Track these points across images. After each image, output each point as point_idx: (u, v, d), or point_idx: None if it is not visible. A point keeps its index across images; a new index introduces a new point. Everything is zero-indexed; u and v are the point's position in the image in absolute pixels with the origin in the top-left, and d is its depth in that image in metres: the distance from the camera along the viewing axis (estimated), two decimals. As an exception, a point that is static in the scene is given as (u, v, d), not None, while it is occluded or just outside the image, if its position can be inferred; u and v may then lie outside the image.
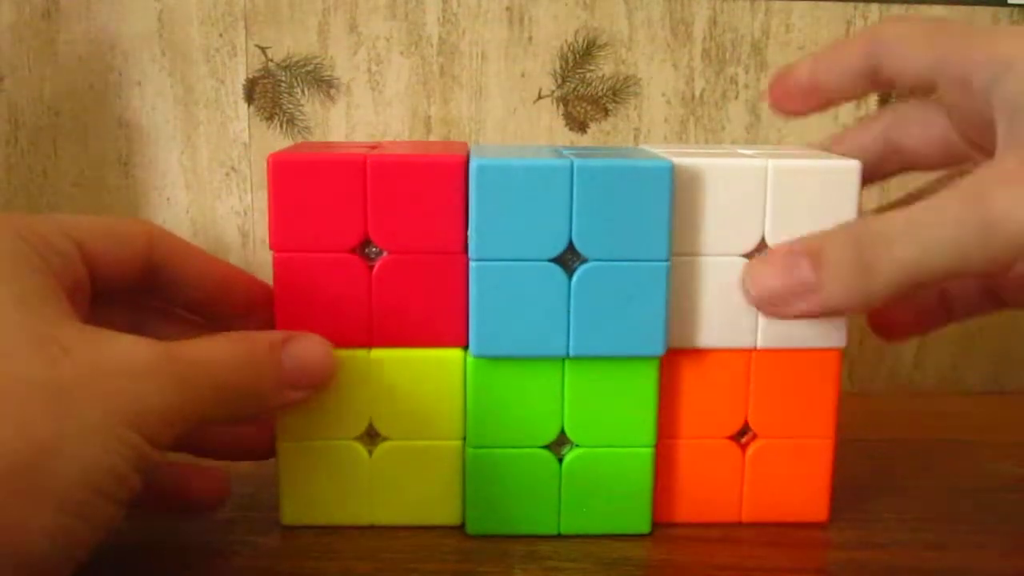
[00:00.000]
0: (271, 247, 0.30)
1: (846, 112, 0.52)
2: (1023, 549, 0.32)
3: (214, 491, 0.31)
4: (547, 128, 0.51)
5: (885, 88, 0.33)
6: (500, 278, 0.29)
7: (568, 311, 0.30)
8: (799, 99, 0.31)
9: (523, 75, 0.51)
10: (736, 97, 0.51)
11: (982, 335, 0.54)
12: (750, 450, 0.33)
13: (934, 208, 0.26)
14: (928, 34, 0.29)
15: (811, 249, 0.27)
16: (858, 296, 0.27)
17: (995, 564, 0.31)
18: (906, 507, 0.34)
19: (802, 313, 0.28)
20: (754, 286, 0.28)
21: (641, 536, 0.32)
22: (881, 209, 0.32)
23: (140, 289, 0.29)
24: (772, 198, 0.30)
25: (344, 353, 0.30)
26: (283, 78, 0.51)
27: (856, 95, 0.31)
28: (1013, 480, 0.38)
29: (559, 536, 0.32)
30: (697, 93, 0.51)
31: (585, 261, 0.30)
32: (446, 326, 0.30)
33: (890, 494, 0.36)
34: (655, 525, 0.33)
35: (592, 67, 0.51)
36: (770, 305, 0.28)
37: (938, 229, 0.25)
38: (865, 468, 0.38)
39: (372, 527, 0.32)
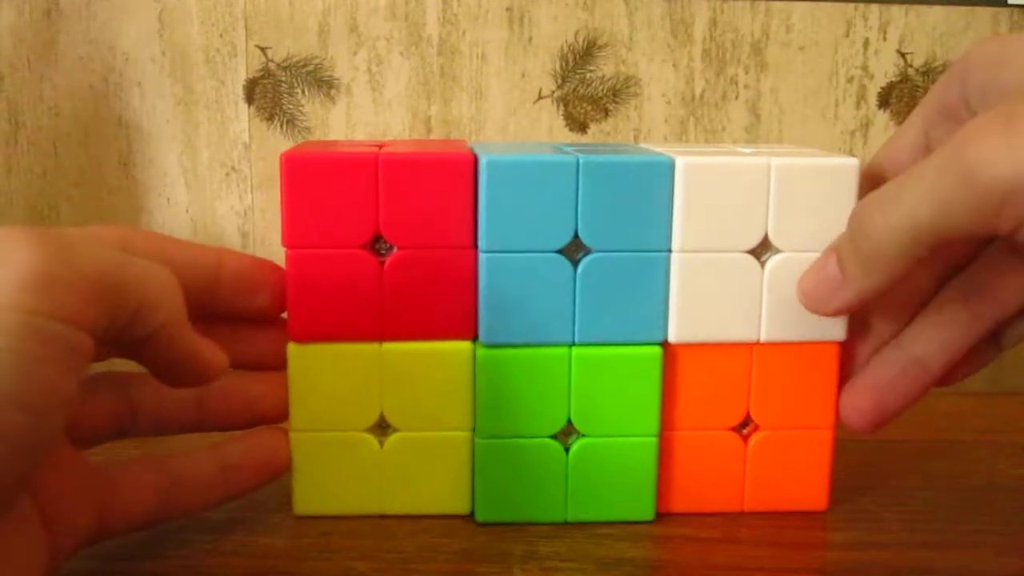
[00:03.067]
0: (284, 244, 0.31)
1: (846, 112, 0.52)
2: (1022, 549, 0.32)
3: (276, 451, 0.32)
4: (547, 128, 0.51)
5: None
6: (508, 269, 0.31)
7: (574, 300, 0.31)
8: None
9: (523, 75, 0.51)
10: (736, 97, 0.51)
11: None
12: (752, 441, 0.33)
13: (918, 167, 0.26)
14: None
15: (835, 245, 0.29)
16: (874, 272, 0.28)
17: (994, 564, 0.31)
18: (906, 507, 0.35)
19: (840, 306, 0.29)
20: (798, 288, 0.30)
21: (641, 536, 0.32)
22: None
23: None
24: (775, 195, 0.31)
25: (356, 347, 0.31)
26: (283, 78, 0.51)
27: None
28: (1013, 480, 0.38)
29: (559, 536, 0.32)
30: (697, 93, 0.51)
31: (589, 252, 0.31)
32: (455, 319, 0.31)
33: (890, 494, 0.36)
34: (657, 521, 0.33)
35: (592, 67, 0.51)
36: (811, 303, 0.30)
37: (921, 183, 0.26)
38: (865, 468, 0.38)
39: (374, 527, 0.32)
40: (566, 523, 0.33)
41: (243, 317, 0.32)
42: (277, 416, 0.32)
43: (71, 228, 0.28)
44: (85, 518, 0.28)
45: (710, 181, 0.31)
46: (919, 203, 0.26)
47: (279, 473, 0.32)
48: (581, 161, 0.30)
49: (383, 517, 0.33)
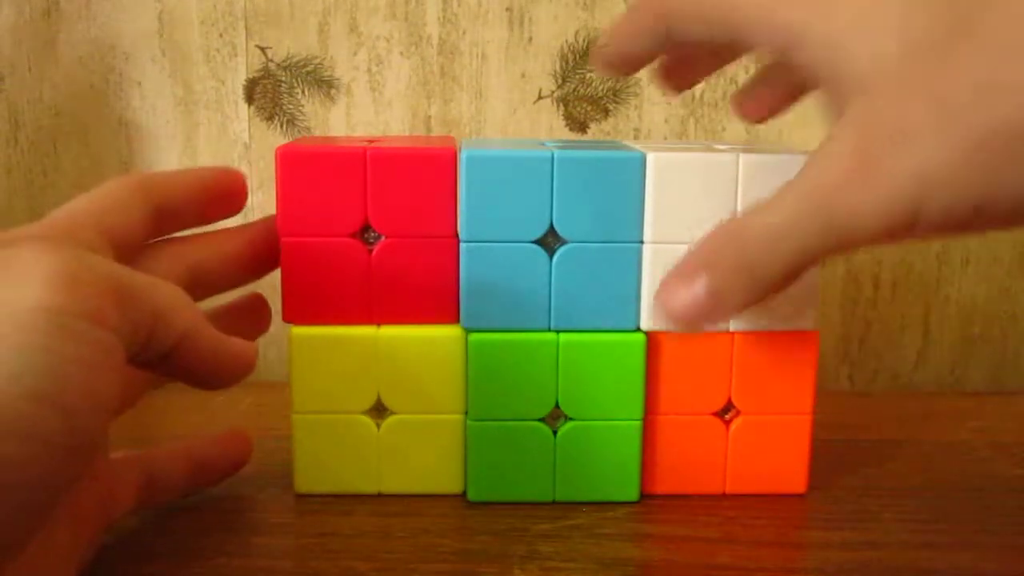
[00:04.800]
0: (278, 232, 0.33)
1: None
2: (1022, 549, 0.32)
3: (242, 451, 0.36)
4: (547, 128, 0.52)
5: (683, 49, 0.34)
6: (487, 258, 0.33)
7: (550, 288, 0.33)
8: (616, 67, 0.33)
9: (523, 75, 0.51)
10: (736, 97, 0.51)
11: (982, 336, 0.54)
12: (733, 426, 0.35)
13: (782, 213, 0.27)
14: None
15: (703, 264, 0.29)
16: (749, 296, 0.29)
17: (995, 564, 0.31)
18: (906, 507, 0.35)
19: (720, 321, 0.31)
20: (665, 310, 0.30)
21: (641, 536, 0.33)
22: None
23: (150, 236, 0.31)
24: (743, 189, 0.33)
25: (353, 334, 0.34)
26: (283, 78, 0.51)
27: (655, 56, 0.33)
28: (1013, 480, 0.38)
29: (559, 536, 0.32)
30: (697, 93, 0.51)
31: (564, 243, 0.33)
32: (439, 303, 0.34)
33: (890, 494, 0.36)
34: (657, 521, 0.33)
35: (592, 67, 0.51)
36: (687, 325, 0.30)
37: (786, 241, 0.27)
38: (865, 468, 0.38)
39: (374, 527, 0.32)
40: (554, 502, 0.35)
41: (224, 218, 0.34)
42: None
43: (87, 195, 0.28)
44: (100, 518, 0.30)
45: (679, 176, 0.33)
46: (794, 246, 0.27)
47: (237, 469, 0.36)
48: (556, 156, 0.32)
49: (380, 496, 0.35)
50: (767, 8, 0.28)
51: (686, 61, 0.35)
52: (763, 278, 0.28)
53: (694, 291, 0.29)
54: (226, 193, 0.33)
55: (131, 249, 0.29)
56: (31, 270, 0.22)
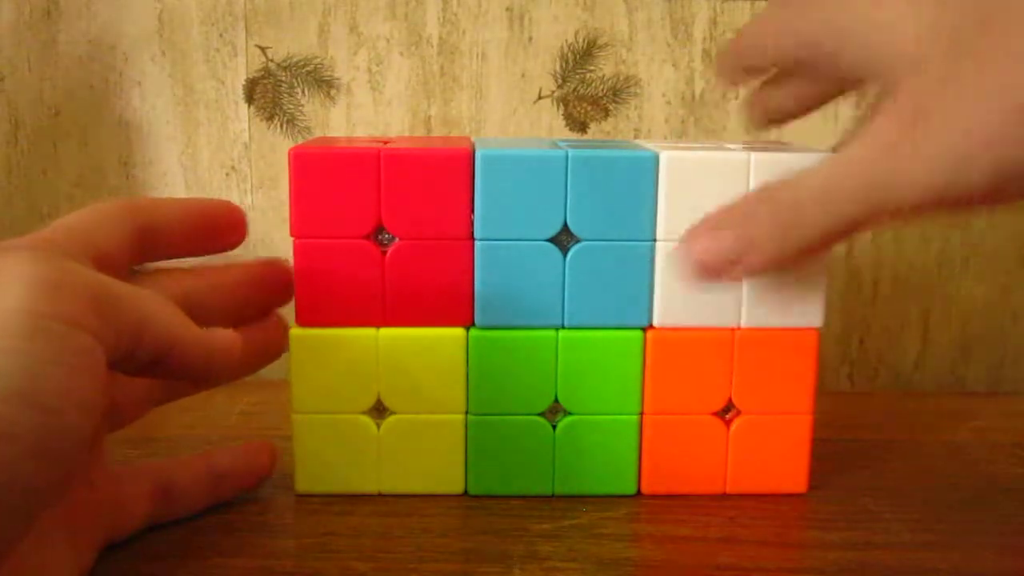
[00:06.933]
0: (292, 234, 0.33)
1: (845, 112, 0.52)
2: (1022, 549, 0.32)
3: (264, 462, 0.36)
4: (547, 128, 0.52)
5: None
6: (502, 256, 0.33)
7: (563, 286, 0.34)
8: (735, 72, 0.36)
9: (523, 75, 0.51)
10: (736, 97, 0.51)
11: (982, 336, 0.54)
12: (734, 426, 0.35)
13: (820, 178, 0.29)
14: (780, 23, 0.32)
15: (733, 220, 0.30)
16: (778, 254, 0.29)
17: (994, 564, 0.31)
18: (906, 507, 0.35)
19: (735, 276, 0.31)
20: (688, 252, 0.30)
21: (641, 536, 0.33)
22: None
23: (137, 258, 0.31)
24: (754, 187, 0.33)
25: (354, 333, 0.34)
26: (283, 78, 0.51)
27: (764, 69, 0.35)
28: (1012, 480, 0.38)
29: (559, 536, 0.32)
30: (697, 93, 0.51)
31: (578, 241, 0.34)
32: (453, 306, 0.34)
33: (890, 494, 0.36)
34: (657, 520, 0.33)
35: (592, 67, 0.51)
36: (705, 270, 0.30)
37: (822, 204, 0.28)
38: (865, 468, 0.38)
39: (374, 527, 0.32)
40: (554, 496, 0.35)
41: (222, 251, 0.34)
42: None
43: (75, 213, 0.29)
44: (101, 528, 0.29)
45: (692, 175, 0.33)
46: (830, 209, 0.28)
47: (261, 482, 0.36)
48: (570, 155, 0.33)
49: (380, 496, 0.35)
50: (830, 7, 0.30)
51: (780, 87, 0.36)
52: (796, 239, 0.29)
53: (721, 238, 0.29)
54: (223, 225, 0.33)
55: (115, 268, 0.29)
56: (11, 276, 0.23)
